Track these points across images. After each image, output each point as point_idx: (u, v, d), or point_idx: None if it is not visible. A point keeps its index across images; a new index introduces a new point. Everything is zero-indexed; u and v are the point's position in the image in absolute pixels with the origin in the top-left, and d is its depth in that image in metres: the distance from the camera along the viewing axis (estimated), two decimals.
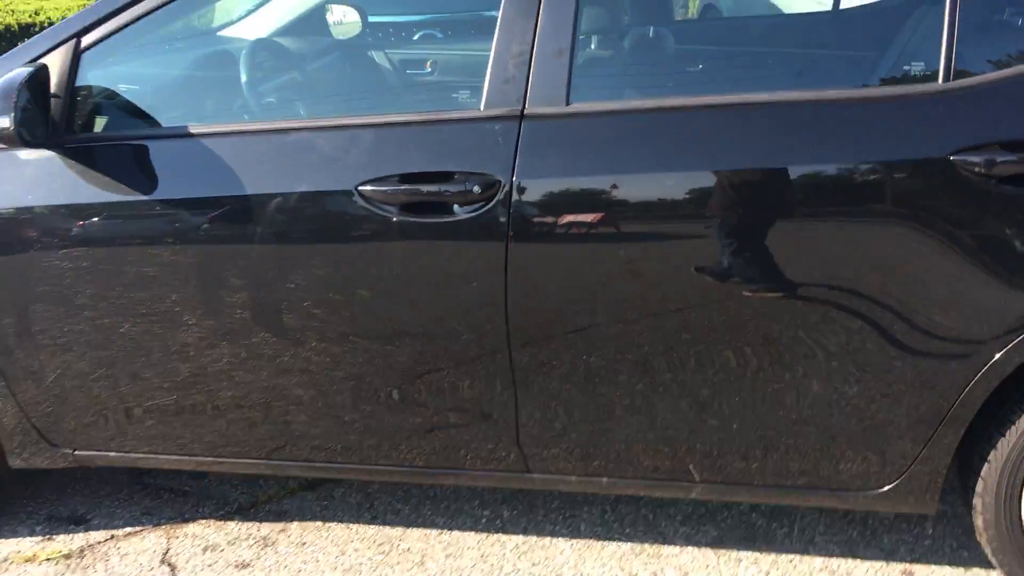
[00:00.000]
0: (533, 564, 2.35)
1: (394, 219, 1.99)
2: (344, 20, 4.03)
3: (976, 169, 1.81)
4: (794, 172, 1.88)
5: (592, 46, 2.44)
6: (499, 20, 2.02)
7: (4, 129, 1.96)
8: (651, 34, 2.60)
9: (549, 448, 2.14)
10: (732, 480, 2.12)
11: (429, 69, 3.54)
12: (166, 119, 2.31)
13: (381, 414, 2.17)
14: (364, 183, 1.99)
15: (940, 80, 1.87)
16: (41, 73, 2.05)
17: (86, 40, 2.16)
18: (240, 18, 3.33)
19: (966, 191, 1.83)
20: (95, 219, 2.12)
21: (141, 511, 2.63)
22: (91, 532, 2.55)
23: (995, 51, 1.94)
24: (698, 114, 1.96)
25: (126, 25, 2.17)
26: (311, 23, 3.52)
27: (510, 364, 2.05)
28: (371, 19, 3.87)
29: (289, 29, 3.40)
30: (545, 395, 2.07)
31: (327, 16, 3.68)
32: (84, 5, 3.69)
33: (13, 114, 1.95)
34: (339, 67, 3.18)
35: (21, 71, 2.01)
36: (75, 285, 2.16)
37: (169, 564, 2.41)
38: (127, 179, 2.11)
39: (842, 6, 3.10)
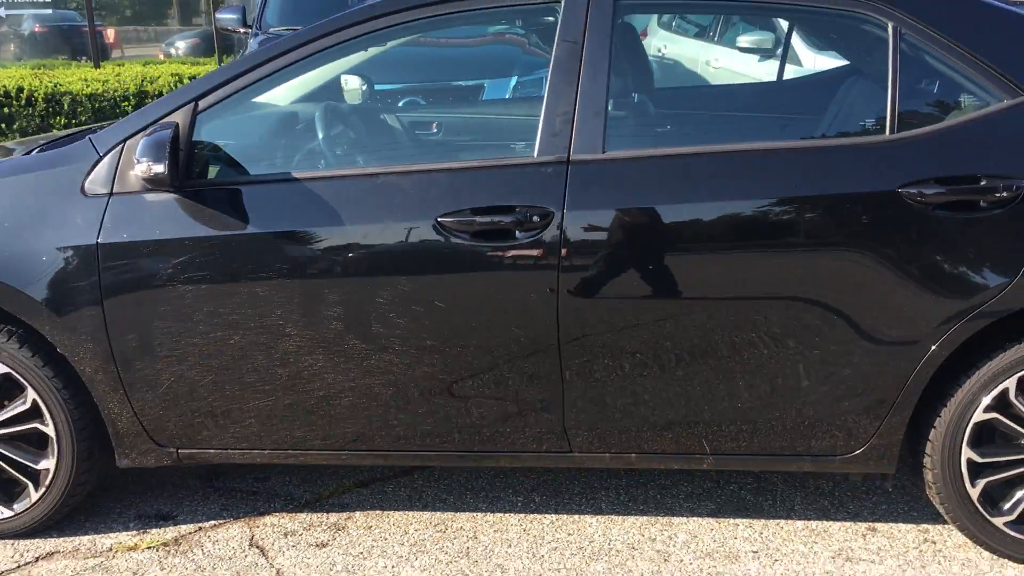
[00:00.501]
0: (568, 534, 2.82)
1: (467, 244, 2.49)
2: (347, 87, 4.56)
3: (918, 199, 2.40)
4: (775, 202, 2.45)
5: (617, 107, 2.99)
6: (547, 88, 2.56)
7: (160, 174, 2.42)
8: (656, 97, 3.17)
9: (589, 431, 2.63)
10: (736, 452, 2.64)
11: (435, 130, 4.05)
12: (264, 167, 2.78)
13: (451, 407, 2.63)
14: (443, 215, 2.49)
15: (887, 132, 2.47)
16: (176, 130, 2.51)
17: (202, 103, 2.63)
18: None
19: (909, 216, 2.42)
20: (212, 249, 2.57)
21: (219, 507, 3.02)
22: (180, 526, 2.93)
23: (923, 109, 2.55)
24: (705, 158, 2.52)
25: (230, 94, 2.65)
26: (329, 91, 4.03)
27: (559, 361, 2.55)
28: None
29: (312, 96, 3.90)
30: (587, 387, 2.57)
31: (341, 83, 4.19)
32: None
33: (167, 162, 2.41)
34: (382, 124, 3.69)
35: (167, 128, 2.47)
36: (192, 304, 2.59)
37: (257, 547, 2.81)
38: (239, 216, 2.57)
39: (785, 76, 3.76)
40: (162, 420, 2.73)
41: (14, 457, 2.78)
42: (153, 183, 2.48)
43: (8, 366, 2.70)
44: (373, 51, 2.99)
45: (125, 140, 2.64)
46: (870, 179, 2.45)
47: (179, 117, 2.61)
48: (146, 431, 2.75)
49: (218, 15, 6.85)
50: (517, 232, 2.49)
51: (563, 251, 2.47)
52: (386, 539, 2.82)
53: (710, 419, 2.60)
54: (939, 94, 2.56)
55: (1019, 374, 2.50)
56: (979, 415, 2.53)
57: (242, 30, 6.63)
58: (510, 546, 2.77)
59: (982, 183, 2.41)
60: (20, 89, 9.18)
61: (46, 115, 9.80)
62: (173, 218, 2.59)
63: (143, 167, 2.44)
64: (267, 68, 2.67)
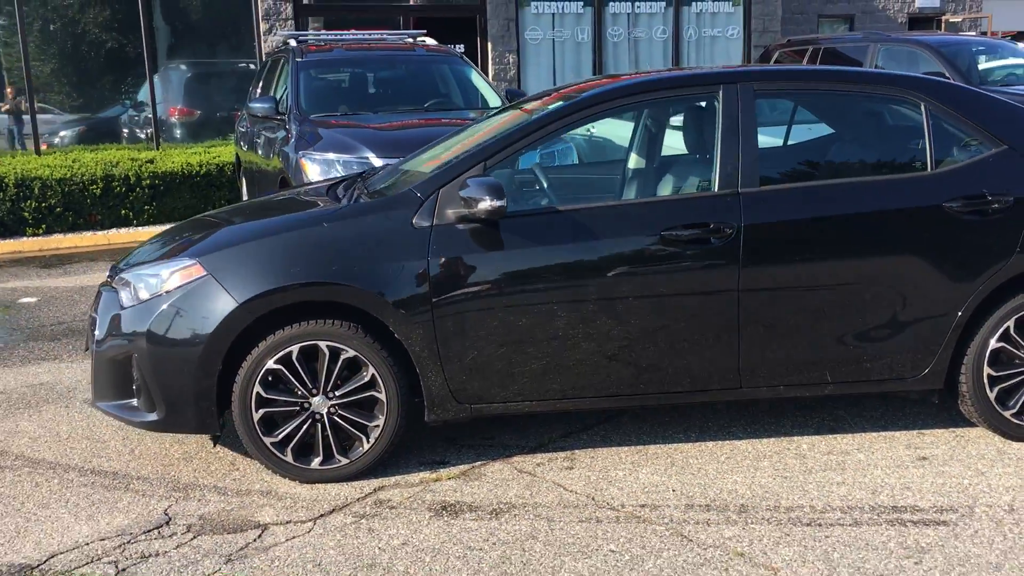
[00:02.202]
0: (732, 449, 4.12)
1: (680, 249, 3.82)
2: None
3: (953, 209, 3.92)
4: (868, 213, 3.91)
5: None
6: (719, 145, 3.95)
7: (501, 207, 3.63)
8: (777, 151, 4.56)
9: (761, 373, 3.97)
10: (847, 380, 4.03)
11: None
12: (530, 205, 4.03)
13: (667, 361, 3.92)
14: (665, 229, 3.82)
15: (929, 169, 4.00)
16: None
17: (489, 163, 3.88)
18: None
19: (949, 220, 3.93)
20: (508, 260, 3.79)
21: (474, 455, 4.15)
22: (458, 466, 4.04)
23: (947, 155, 4.09)
24: (822, 188, 3.97)
25: (506, 156, 3.92)
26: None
27: (738, 323, 3.89)
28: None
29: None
30: (753, 341, 3.92)
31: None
32: None
33: (506, 199, 3.64)
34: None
35: (486, 179, 3.70)
36: (491, 299, 3.79)
37: (526, 472, 3.97)
38: (526, 236, 3.81)
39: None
40: (464, 384, 3.88)
41: (353, 418, 3.86)
42: (494, 215, 3.69)
43: (355, 351, 3.79)
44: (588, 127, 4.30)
45: (439, 189, 3.84)
46: (924, 198, 3.95)
47: (475, 172, 3.84)
48: (451, 393, 3.89)
49: (251, 104, 7.89)
50: (711, 239, 3.84)
51: (742, 249, 3.84)
52: (613, 462, 4.04)
53: (835, 359, 4.00)
54: (955, 146, 4.10)
55: (1015, 317, 4.02)
56: (993, 344, 4.04)
57: (277, 117, 7.71)
58: (700, 457, 4.05)
59: (988, 198, 3.96)
60: None
61: (16, 199, 10.44)
62: (478, 240, 3.79)
63: (487, 204, 3.64)
64: (523, 143, 3.96)
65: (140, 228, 10.76)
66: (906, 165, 4.18)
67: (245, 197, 9.86)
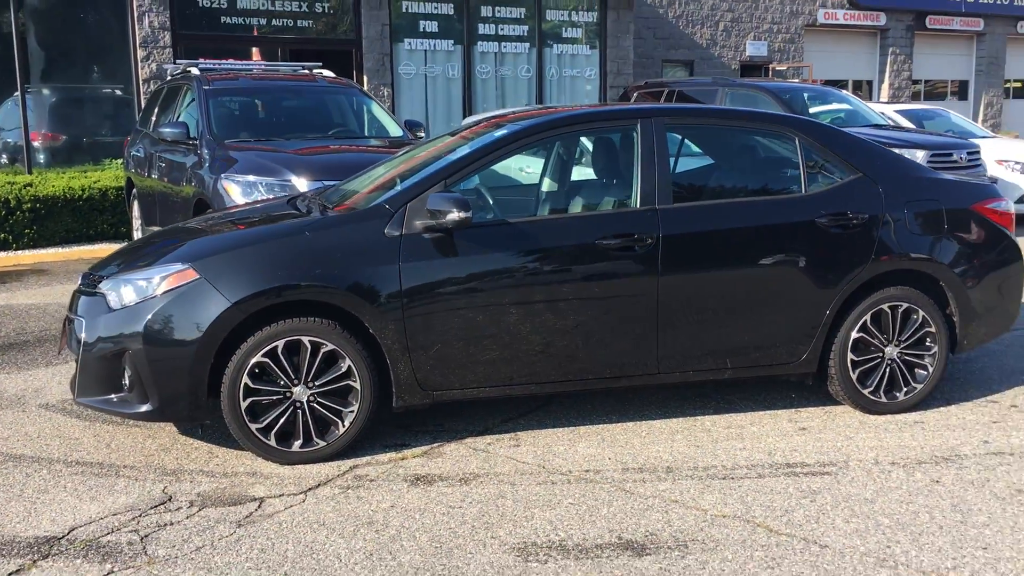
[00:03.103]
0: (648, 429, 4.86)
1: (612, 253, 4.55)
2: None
3: (823, 224, 4.81)
4: (753, 226, 4.75)
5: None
6: (639, 169, 4.71)
7: (467, 218, 4.25)
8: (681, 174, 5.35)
9: (675, 360, 4.73)
10: (744, 366, 4.84)
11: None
12: (483, 217, 4.66)
13: (597, 350, 4.62)
14: (599, 239, 4.54)
15: (803, 191, 4.90)
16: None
17: (449, 181, 4.50)
18: None
19: (820, 234, 4.82)
20: (465, 263, 4.41)
21: (431, 439, 4.72)
22: (419, 447, 4.60)
23: (816, 180, 5.00)
24: (719, 206, 4.79)
25: (465, 175, 4.55)
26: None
27: (657, 316, 4.64)
28: None
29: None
30: (671, 332, 4.68)
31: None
32: None
33: (471, 212, 4.26)
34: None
35: (452, 195, 4.31)
36: (454, 297, 4.40)
37: (480, 450, 4.57)
38: (484, 243, 4.44)
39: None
40: (428, 373, 4.46)
41: (330, 404, 4.37)
42: (460, 225, 4.30)
43: (335, 345, 4.31)
44: (522, 155, 4.98)
45: (407, 204, 4.43)
46: (800, 215, 4.84)
47: (437, 189, 4.46)
48: (417, 381, 4.46)
49: (162, 129, 8.17)
50: (635, 247, 4.59)
51: (660, 254, 4.60)
52: (553, 439, 4.70)
53: (733, 347, 4.80)
54: (822, 173, 5.01)
55: (870, 312, 4.95)
56: (854, 335, 4.94)
57: (189, 143, 8.04)
58: (625, 434, 4.76)
59: (849, 215, 4.88)
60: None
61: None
62: (441, 247, 4.40)
63: (455, 215, 4.26)
64: (476, 165, 4.61)
65: (20, 252, 10.71)
66: (785, 188, 5.06)
67: (138, 222, 10.03)
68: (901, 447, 4.59)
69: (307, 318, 4.30)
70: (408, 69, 15.22)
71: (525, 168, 6.83)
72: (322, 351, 4.31)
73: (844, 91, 13.96)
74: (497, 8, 15.90)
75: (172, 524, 3.78)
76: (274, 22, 14.32)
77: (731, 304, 4.76)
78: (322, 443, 4.38)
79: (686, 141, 5.06)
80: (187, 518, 3.83)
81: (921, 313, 5.00)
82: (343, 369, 4.35)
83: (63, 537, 3.67)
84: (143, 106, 10.41)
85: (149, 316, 4.22)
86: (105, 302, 4.41)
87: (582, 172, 5.24)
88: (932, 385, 5.11)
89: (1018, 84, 29.52)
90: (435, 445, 4.64)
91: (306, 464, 4.37)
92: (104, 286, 4.48)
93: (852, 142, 5.13)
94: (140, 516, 3.85)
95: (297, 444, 4.35)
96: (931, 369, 5.06)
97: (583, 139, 5.19)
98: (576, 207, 5.03)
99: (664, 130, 4.81)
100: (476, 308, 4.45)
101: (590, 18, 16.90)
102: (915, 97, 27.14)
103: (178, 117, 8.71)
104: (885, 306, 4.96)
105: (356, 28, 14.76)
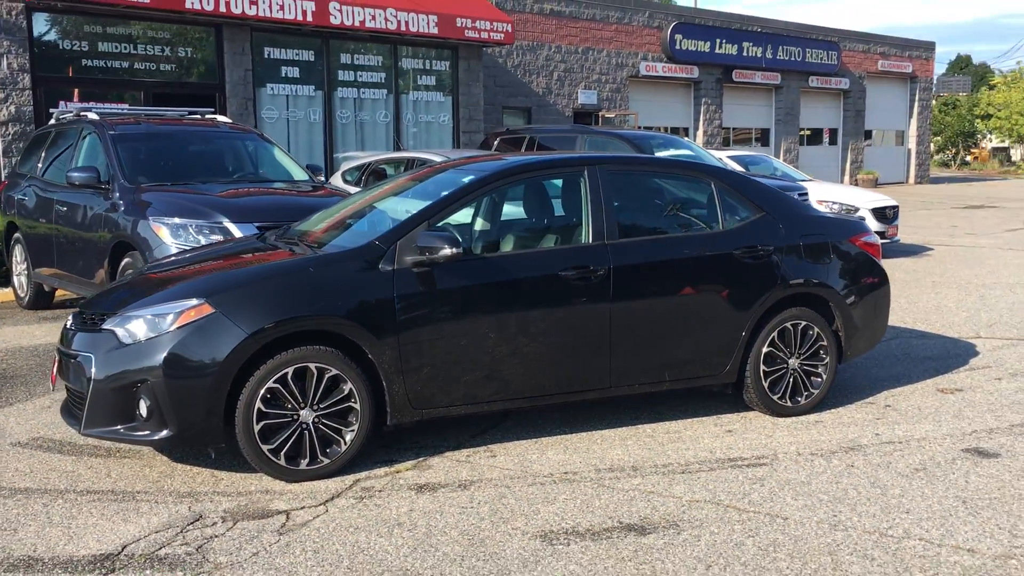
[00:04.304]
0: (600, 438, 5.54)
1: (571, 283, 5.22)
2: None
3: (738, 255, 5.68)
4: (681, 258, 5.56)
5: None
6: (590, 209, 5.42)
7: (459, 252, 4.80)
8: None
9: (624, 375, 5.43)
10: (677, 378, 5.61)
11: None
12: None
13: (558, 367, 5.26)
14: (564, 270, 5.21)
15: (721, 228, 5.76)
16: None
17: (432, 221, 5.06)
18: None
19: (737, 263, 5.68)
20: (451, 294, 4.97)
21: (414, 454, 5.20)
22: (406, 462, 5.08)
23: (730, 218, 5.87)
24: (658, 241, 5.57)
25: (444, 216, 5.12)
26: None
27: (610, 336, 5.35)
28: None
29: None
30: (621, 350, 5.39)
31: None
32: None
33: (461, 247, 4.82)
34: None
35: (440, 231, 4.87)
36: (441, 324, 4.94)
37: (465, 462, 5.10)
38: (466, 276, 5.01)
39: None
40: (419, 393, 4.97)
41: (333, 424, 4.79)
42: (452, 259, 4.85)
43: (338, 370, 4.76)
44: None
45: (396, 242, 4.95)
46: (719, 246, 5.69)
47: (422, 228, 5.00)
48: (409, 401, 4.95)
49: (71, 173, 8.22)
50: (591, 277, 5.29)
51: (612, 284, 5.32)
52: (523, 449, 5.29)
53: (671, 362, 5.57)
54: (734, 212, 5.88)
55: (777, 329, 5.84)
56: (765, 349, 5.82)
57: (101, 187, 8.14)
58: (583, 442, 5.41)
59: (758, 248, 5.77)
60: None
61: None
62: (429, 279, 4.94)
63: (447, 251, 4.80)
64: (455, 206, 5.19)
65: None
66: (706, 225, 5.91)
67: (21, 266, 9.87)
68: (813, 441, 5.47)
69: (313, 346, 4.73)
70: (271, 113, 15.46)
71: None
72: (327, 376, 4.74)
73: (686, 138, 15.31)
74: (356, 55, 16.41)
75: (217, 536, 4.11)
76: (136, 65, 14.26)
77: (669, 324, 5.53)
78: (326, 461, 4.79)
79: (625, 184, 5.80)
80: (227, 531, 4.17)
81: (816, 329, 5.94)
82: (344, 392, 4.79)
83: (119, 554, 3.94)
84: (24, 149, 10.25)
85: (168, 349, 4.53)
86: (115, 338, 4.67)
87: (539, 212, 5.89)
88: (825, 390, 6.05)
89: (809, 132, 32.62)
90: (420, 460, 5.13)
91: (311, 481, 4.76)
92: (111, 323, 4.74)
93: (755, 185, 6.05)
94: (182, 532, 4.16)
95: (304, 463, 4.75)
96: (824, 376, 6.01)
97: (543, 183, 5.84)
98: (537, 243, 5.68)
99: (608, 175, 5.56)
100: (459, 333, 5.00)
101: (442, 67, 17.68)
102: (725, 143, 29.51)
103: (77, 161, 8.76)
104: (788, 324, 5.87)
105: (219, 73, 14.90)
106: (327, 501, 4.53)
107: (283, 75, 15.61)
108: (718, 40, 27.57)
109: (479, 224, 5.81)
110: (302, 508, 4.45)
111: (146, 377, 4.55)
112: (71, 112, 9.61)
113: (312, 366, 4.71)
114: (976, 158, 56.19)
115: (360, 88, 16.49)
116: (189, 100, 14.15)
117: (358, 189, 9.92)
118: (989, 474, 4.90)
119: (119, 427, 4.69)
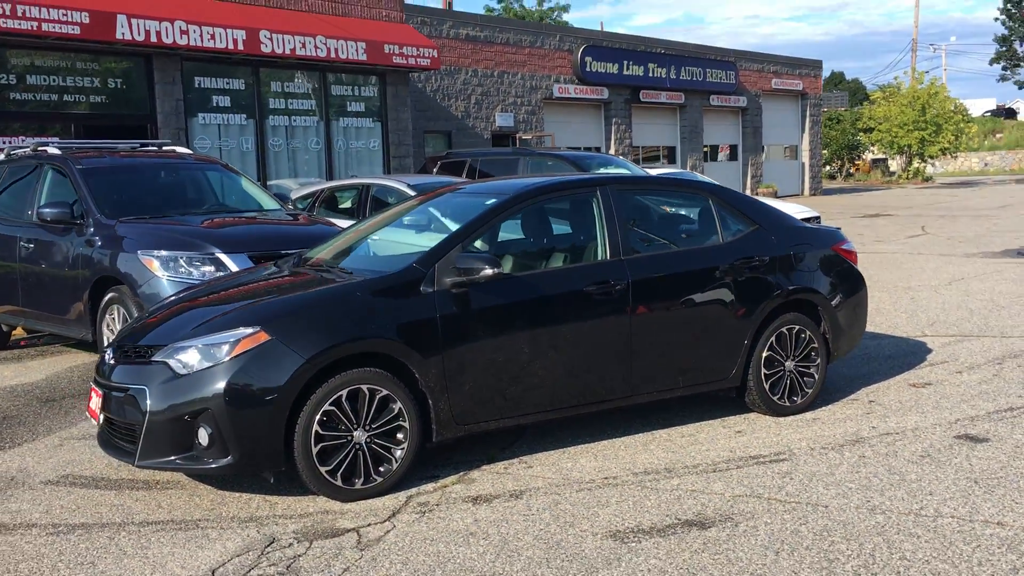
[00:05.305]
0: (623, 445, 5.81)
1: (594, 297, 5.50)
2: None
3: (737, 266, 6.06)
4: (689, 270, 5.90)
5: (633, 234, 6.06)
6: (605, 227, 5.71)
7: (500, 272, 5.02)
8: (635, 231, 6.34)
9: (645, 383, 5.72)
10: (690, 384, 5.94)
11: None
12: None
13: (585, 377, 5.52)
14: (587, 285, 5.48)
15: (720, 240, 6.12)
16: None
17: (466, 243, 5.26)
18: None
19: (735, 273, 6.05)
20: (490, 313, 5.18)
21: (451, 470, 5.37)
22: (448, 477, 5.25)
23: (725, 231, 6.24)
24: (667, 256, 5.89)
25: (474, 238, 5.33)
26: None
27: (631, 346, 5.63)
28: None
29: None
30: (641, 359, 5.68)
31: None
32: None
33: (500, 267, 5.03)
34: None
35: (482, 254, 5.08)
36: (482, 342, 5.14)
37: (501, 473, 5.30)
38: (504, 294, 5.23)
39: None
40: (462, 409, 5.15)
41: (384, 443, 4.93)
42: (494, 279, 5.05)
43: (388, 390, 4.91)
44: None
45: (434, 264, 5.13)
46: (722, 258, 6.05)
47: (457, 251, 5.21)
48: (453, 417, 5.13)
49: (43, 210, 8.10)
50: (613, 291, 5.57)
51: (631, 295, 5.62)
52: (554, 459, 5.51)
53: (684, 368, 5.89)
54: (731, 226, 6.24)
55: (775, 334, 6.23)
56: (765, 353, 6.20)
57: (75, 222, 8.04)
58: (608, 449, 5.67)
59: (755, 259, 6.15)
60: None
61: None
62: (468, 299, 5.14)
63: (488, 271, 5.01)
64: (484, 228, 5.42)
65: None
66: (708, 238, 6.26)
67: None
68: (819, 437, 5.85)
69: (366, 368, 4.87)
70: (203, 143, 15.33)
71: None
72: (378, 397, 4.88)
73: (622, 157, 15.81)
74: (286, 83, 16.41)
75: (300, 556, 4.21)
76: (66, 97, 13.96)
77: (682, 333, 5.85)
78: (379, 479, 4.92)
79: (633, 202, 6.11)
80: (307, 551, 4.28)
81: (808, 333, 6.36)
82: (395, 411, 4.94)
83: None
84: None
85: (228, 377, 4.61)
86: (168, 369, 4.72)
87: (557, 230, 6.15)
88: (818, 389, 6.47)
89: (708, 148, 33.79)
90: (462, 474, 5.31)
91: (365, 499, 4.89)
92: (162, 355, 4.78)
93: (747, 200, 6.45)
94: (263, 554, 4.24)
95: (359, 482, 4.87)
96: (817, 376, 6.42)
97: (560, 204, 6.10)
98: (557, 261, 5.93)
99: (618, 194, 5.86)
100: (497, 349, 5.21)
101: (371, 92, 17.81)
102: (635, 162, 30.34)
103: (41, 197, 8.62)
104: (784, 329, 6.26)
105: (151, 103, 14.71)
106: (390, 517, 4.67)
107: (214, 104, 15.50)
108: (625, 62, 28.40)
109: (505, 244, 6.02)
110: (368, 525, 4.57)
111: (206, 406, 4.62)
112: (26, 147, 9.42)
113: (364, 387, 4.84)
114: (858, 169, 58.96)
115: (291, 116, 16.48)
116: (121, 132, 13.93)
117: (337, 218, 9.99)
118: (987, 456, 5.35)
119: (174, 457, 4.74)
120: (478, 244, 5.53)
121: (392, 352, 4.93)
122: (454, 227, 5.53)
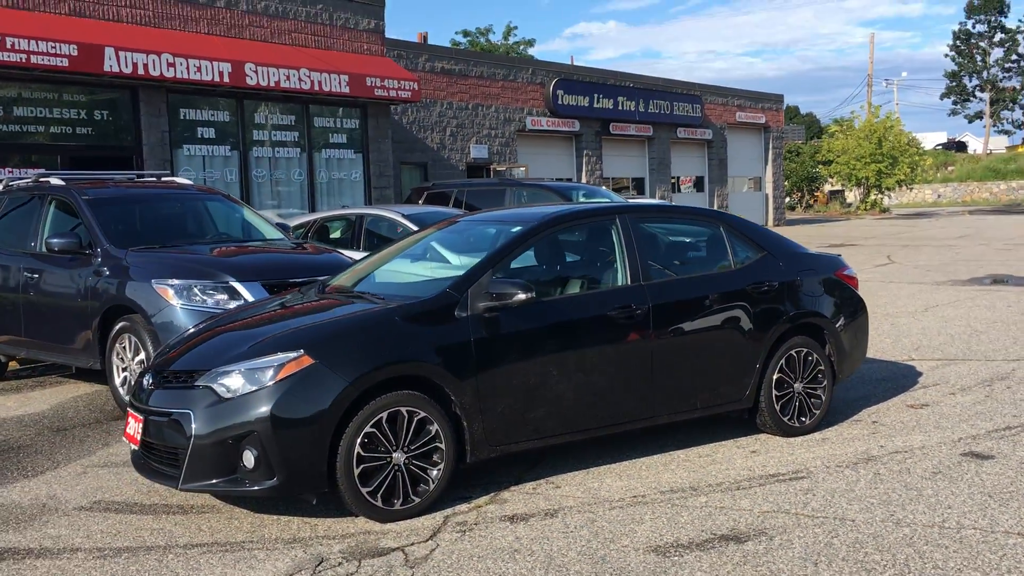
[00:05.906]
0: (645, 466, 5.96)
1: (617, 321, 5.67)
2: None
3: (750, 291, 6.27)
4: (706, 295, 6.11)
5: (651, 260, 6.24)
6: (625, 254, 5.90)
7: (532, 297, 5.17)
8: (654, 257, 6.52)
9: (665, 404, 5.89)
10: (707, 406, 6.12)
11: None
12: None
13: (609, 398, 5.68)
14: (611, 310, 5.65)
15: (732, 266, 6.35)
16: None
17: (495, 268, 5.42)
18: None
19: (749, 297, 6.27)
20: (522, 337, 5.33)
21: (481, 490, 5.49)
22: (481, 498, 5.36)
23: (737, 256, 6.46)
24: (685, 280, 6.09)
25: (501, 266, 5.49)
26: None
27: (652, 367, 5.81)
28: None
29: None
30: (662, 380, 5.86)
31: None
32: None
33: (533, 291, 5.19)
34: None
35: (515, 280, 5.24)
36: (515, 364, 5.29)
37: (531, 493, 5.42)
38: (531, 318, 5.38)
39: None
40: (495, 430, 5.28)
41: (422, 464, 5.04)
42: (526, 303, 5.21)
43: (425, 412, 5.03)
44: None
45: (467, 290, 5.28)
46: (735, 284, 6.26)
47: (487, 277, 5.36)
48: (487, 438, 5.26)
49: (51, 240, 8.13)
50: (634, 315, 5.75)
51: (651, 318, 5.80)
52: (580, 480, 5.65)
53: (702, 390, 6.07)
54: (742, 253, 6.46)
55: (784, 356, 6.44)
56: (776, 375, 6.41)
57: (83, 252, 8.08)
58: (630, 469, 5.82)
59: (764, 284, 6.38)
60: None
61: None
62: (500, 323, 5.29)
63: (521, 296, 5.17)
64: (512, 255, 5.58)
65: None
66: (721, 264, 6.48)
67: None
68: (831, 455, 6.05)
69: (405, 391, 4.99)
70: (188, 174, 15.36)
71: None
72: (416, 419, 5.00)
73: (605, 188, 16.08)
74: (270, 115, 16.51)
75: (353, 574, 4.30)
76: (52, 129, 13.95)
77: (699, 356, 6.04)
78: (417, 500, 5.03)
79: (650, 229, 6.31)
80: (358, 569, 4.37)
81: (815, 355, 6.58)
82: (432, 433, 5.05)
83: None
84: None
85: (273, 400, 4.71)
86: (212, 393, 4.81)
87: (579, 257, 6.33)
88: (825, 410, 6.68)
89: (675, 180, 34.30)
90: (493, 495, 5.42)
91: (404, 520, 4.99)
92: (205, 379, 4.87)
93: (755, 228, 6.68)
94: (316, 573, 4.33)
95: (398, 503, 4.97)
96: (824, 397, 6.64)
97: (579, 230, 6.29)
98: (579, 286, 6.09)
99: (636, 222, 6.06)
100: (528, 371, 5.36)
101: (353, 124, 17.96)
102: None
103: (44, 227, 8.64)
104: (793, 352, 6.47)
105: (136, 135, 14.73)
106: (432, 536, 4.77)
107: (199, 136, 15.55)
108: (596, 95, 28.85)
109: (531, 270, 6.18)
110: (412, 544, 4.67)
111: (252, 429, 4.70)
112: (28, 178, 9.44)
113: (403, 410, 4.96)
114: (817, 200, 60.09)
115: (275, 147, 16.58)
116: (107, 163, 13.94)
117: (334, 246, 10.09)
118: (996, 472, 5.58)
119: (216, 480, 4.81)
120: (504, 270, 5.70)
121: (430, 375, 5.06)
122: (476, 255, 5.69)
